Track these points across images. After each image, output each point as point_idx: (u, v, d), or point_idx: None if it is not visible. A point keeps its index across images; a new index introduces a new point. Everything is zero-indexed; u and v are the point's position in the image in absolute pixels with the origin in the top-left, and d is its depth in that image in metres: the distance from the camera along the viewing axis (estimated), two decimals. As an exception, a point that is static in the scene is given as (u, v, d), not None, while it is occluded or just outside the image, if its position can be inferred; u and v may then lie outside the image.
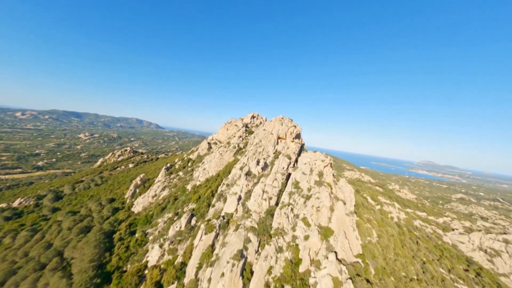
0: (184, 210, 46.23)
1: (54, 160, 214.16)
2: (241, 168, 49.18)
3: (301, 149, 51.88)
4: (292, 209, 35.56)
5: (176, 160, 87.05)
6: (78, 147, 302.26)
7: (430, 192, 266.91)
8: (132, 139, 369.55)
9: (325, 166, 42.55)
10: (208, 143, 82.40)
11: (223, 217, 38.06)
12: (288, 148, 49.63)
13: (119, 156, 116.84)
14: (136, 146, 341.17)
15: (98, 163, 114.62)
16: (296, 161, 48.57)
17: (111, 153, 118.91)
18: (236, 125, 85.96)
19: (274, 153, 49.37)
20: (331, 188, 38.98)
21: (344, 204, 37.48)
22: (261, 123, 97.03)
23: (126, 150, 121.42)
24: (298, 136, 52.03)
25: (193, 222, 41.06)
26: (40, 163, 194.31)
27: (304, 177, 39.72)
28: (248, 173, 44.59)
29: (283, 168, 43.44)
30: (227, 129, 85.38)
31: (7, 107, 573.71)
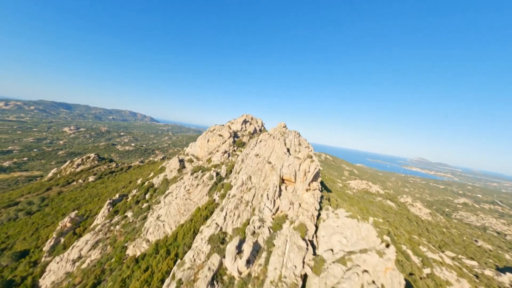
0: (90, 335, 22.15)
1: (25, 159, 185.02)
2: (209, 240, 24.60)
3: (321, 202, 27.23)
4: None
5: (138, 182, 61.76)
6: (61, 142, 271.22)
7: (431, 195, 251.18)
8: (122, 133, 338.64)
9: (387, 269, 18.41)
10: (181, 160, 56.80)
11: None
12: (300, 204, 24.92)
13: (78, 165, 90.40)
14: (126, 142, 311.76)
15: (50, 174, 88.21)
16: (317, 230, 24.13)
17: (69, 161, 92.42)
18: (220, 135, 60.25)
19: (273, 214, 24.80)
20: None
21: None
22: (255, 131, 71.40)
23: (89, 158, 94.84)
24: (316, 176, 27.32)
25: None
26: (6, 163, 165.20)
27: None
28: (218, 275, 20.11)
29: (293, 268, 19.09)
30: (207, 141, 59.67)
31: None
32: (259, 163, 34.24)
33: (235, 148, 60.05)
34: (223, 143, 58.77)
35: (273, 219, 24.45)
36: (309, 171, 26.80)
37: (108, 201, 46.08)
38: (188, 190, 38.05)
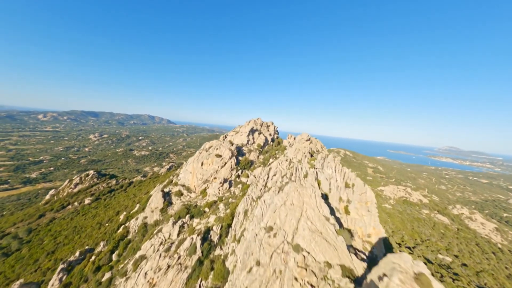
0: None
1: (52, 168, 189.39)
2: None
3: None
4: None
5: (121, 217, 46.96)
6: (86, 149, 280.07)
7: (474, 193, 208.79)
8: (140, 138, 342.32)
9: None
10: (166, 194, 39.99)
11: None
12: None
13: (76, 185, 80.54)
14: (144, 146, 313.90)
15: (48, 196, 79.65)
16: None
17: (68, 181, 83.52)
18: (218, 155, 41.92)
19: None
20: None
21: None
22: (266, 142, 51.63)
23: (88, 175, 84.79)
24: None
25: None
26: (33, 175, 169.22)
27: None
28: None
29: None
30: (201, 164, 41.80)
31: (33, 109, 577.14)
32: (274, 251, 15.25)
33: (240, 172, 41.42)
34: (222, 167, 40.48)
35: None
36: None
37: (61, 266, 31.18)
38: (151, 280, 20.60)
